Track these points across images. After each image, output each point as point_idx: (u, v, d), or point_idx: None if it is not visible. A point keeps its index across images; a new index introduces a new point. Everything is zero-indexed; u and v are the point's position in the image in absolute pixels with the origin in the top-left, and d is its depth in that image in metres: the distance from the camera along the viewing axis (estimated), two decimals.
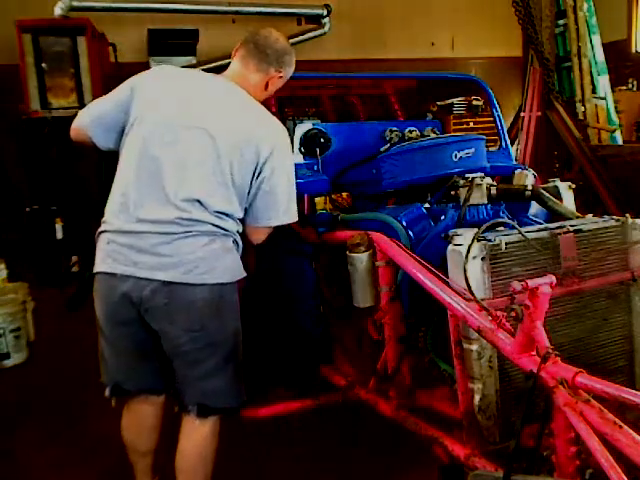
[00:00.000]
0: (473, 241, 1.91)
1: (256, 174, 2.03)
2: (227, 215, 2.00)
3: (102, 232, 2.02)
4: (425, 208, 2.43)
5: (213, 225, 1.96)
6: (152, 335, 2.03)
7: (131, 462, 2.27)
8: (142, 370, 2.13)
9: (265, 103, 3.13)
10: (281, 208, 2.11)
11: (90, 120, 2.10)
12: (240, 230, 2.09)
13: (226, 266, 2.00)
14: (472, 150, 2.63)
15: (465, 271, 1.87)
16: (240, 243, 2.10)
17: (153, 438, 2.23)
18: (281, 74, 2.19)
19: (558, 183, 2.66)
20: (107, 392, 2.15)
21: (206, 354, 2.00)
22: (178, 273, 1.91)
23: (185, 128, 1.96)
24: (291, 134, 2.80)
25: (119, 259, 1.96)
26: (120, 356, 2.11)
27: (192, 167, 1.95)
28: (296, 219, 2.19)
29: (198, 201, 1.93)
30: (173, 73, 2.13)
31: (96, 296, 2.07)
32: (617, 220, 2.19)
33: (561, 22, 6.05)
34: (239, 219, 2.08)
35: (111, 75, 6.18)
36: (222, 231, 1.99)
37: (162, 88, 2.05)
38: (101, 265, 2.01)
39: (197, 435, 2.05)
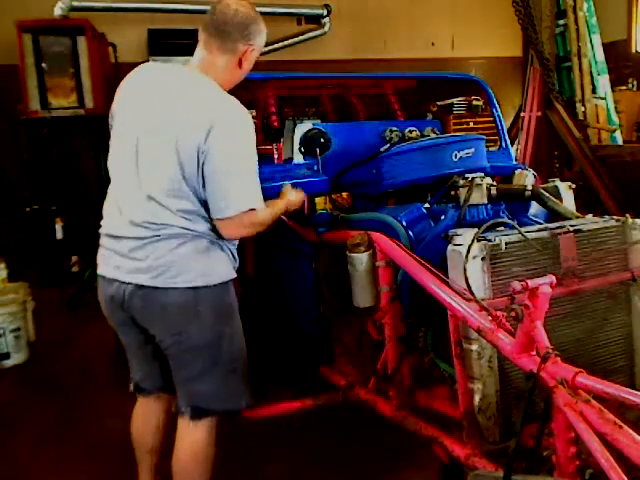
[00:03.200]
0: (473, 241, 1.91)
1: (199, 162, 1.86)
2: (194, 215, 1.92)
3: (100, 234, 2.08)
4: (425, 208, 2.43)
5: (181, 227, 1.91)
6: (148, 336, 2.05)
7: (136, 460, 2.27)
8: (153, 369, 2.16)
9: (265, 103, 3.15)
10: (231, 195, 1.89)
11: None
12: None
13: (200, 269, 1.94)
14: (472, 150, 2.63)
15: (465, 271, 1.87)
16: (223, 244, 2.01)
17: (160, 435, 2.24)
18: (252, 47, 1.99)
19: (558, 183, 2.67)
20: (131, 387, 2.21)
21: (191, 357, 1.99)
22: (149, 277, 1.91)
23: (140, 132, 1.94)
24: (291, 134, 2.80)
25: (108, 262, 2.01)
26: (133, 355, 2.18)
27: (147, 169, 1.92)
28: (256, 204, 1.94)
29: (159, 203, 1.90)
30: (139, 80, 2.05)
31: (98, 297, 2.11)
32: (617, 220, 2.19)
33: (561, 22, 6.04)
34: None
35: (111, 75, 6.19)
36: (192, 233, 1.93)
37: (127, 96, 2.04)
38: (98, 267, 2.07)
39: (191, 438, 2.03)
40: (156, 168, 1.91)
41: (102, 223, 2.05)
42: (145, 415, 2.23)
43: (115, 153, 2.04)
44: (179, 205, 1.90)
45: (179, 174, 1.88)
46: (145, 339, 2.07)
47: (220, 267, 2.00)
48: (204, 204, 1.94)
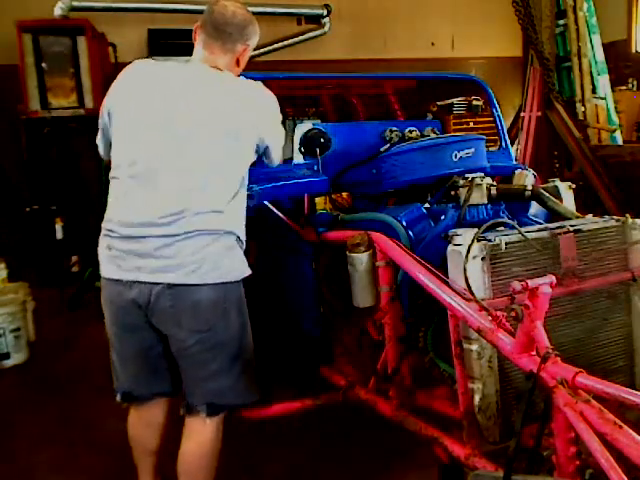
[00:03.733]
0: (473, 241, 1.91)
1: (253, 151, 2.06)
2: (228, 212, 1.97)
3: (103, 235, 2.02)
4: (425, 208, 2.43)
5: (214, 225, 1.94)
6: (160, 339, 2.04)
7: (135, 461, 2.26)
8: (151, 376, 2.13)
9: None
10: (278, 157, 2.24)
11: (103, 152, 2.23)
12: (241, 228, 2.05)
13: (229, 265, 1.99)
14: (472, 150, 2.63)
15: (465, 271, 1.87)
16: (242, 241, 2.07)
17: (159, 436, 2.23)
18: (249, 46, 2.11)
19: (558, 183, 2.67)
20: (118, 398, 2.16)
21: (213, 354, 2.00)
22: (181, 274, 1.91)
23: (164, 128, 1.93)
24: (291, 134, 2.80)
25: (123, 265, 1.95)
26: (128, 363, 2.11)
27: (176, 167, 1.92)
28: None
29: (191, 200, 1.91)
30: (144, 75, 2.05)
31: (104, 301, 2.07)
32: (617, 220, 2.19)
33: (561, 22, 6.04)
34: (239, 209, 2.04)
35: (111, 75, 6.20)
36: (224, 230, 1.96)
37: (136, 91, 2.01)
38: (106, 270, 2.01)
39: (203, 436, 2.04)
40: (188, 168, 1.92)
41: (111, 225, 1.99)
42: (143, 422, 2.20)
43: (130, 153, 1.98)
44: (212, 203, 1.93)
45: (221, 171, 1.96)
46: (153, 343, 2.05)
47: (242, 263, 2.06)
48: (240, 194, 2.04)
